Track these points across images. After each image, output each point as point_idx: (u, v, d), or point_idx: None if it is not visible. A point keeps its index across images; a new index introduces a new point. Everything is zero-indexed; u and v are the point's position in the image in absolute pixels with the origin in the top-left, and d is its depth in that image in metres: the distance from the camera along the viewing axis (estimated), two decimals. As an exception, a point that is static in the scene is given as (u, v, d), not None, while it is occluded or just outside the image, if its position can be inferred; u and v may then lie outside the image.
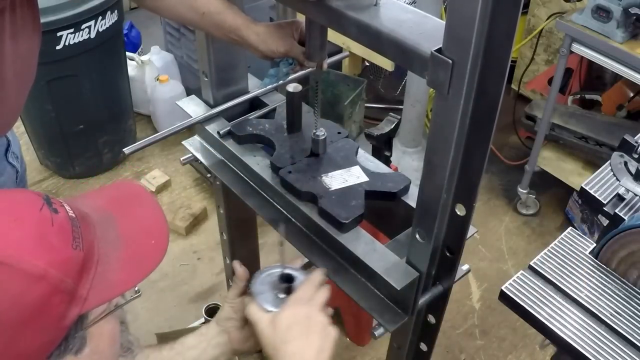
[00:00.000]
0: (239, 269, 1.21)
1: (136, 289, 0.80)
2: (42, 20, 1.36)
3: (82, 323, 0.72)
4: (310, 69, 1.32)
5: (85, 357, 0.74)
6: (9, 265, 0.65)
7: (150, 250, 0.78)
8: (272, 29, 1.24)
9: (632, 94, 2.89)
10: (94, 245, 0.73)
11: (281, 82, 1.35)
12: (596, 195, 1.50)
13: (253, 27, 1.24)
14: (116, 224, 0.78)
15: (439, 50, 0.89)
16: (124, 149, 1.40)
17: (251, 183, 1.47)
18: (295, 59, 1.26)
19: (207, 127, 1.54)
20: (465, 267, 1.31)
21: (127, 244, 0.77)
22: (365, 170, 1.38)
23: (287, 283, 1.13)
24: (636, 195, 1.43)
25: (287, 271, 1.15)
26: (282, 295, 1.11)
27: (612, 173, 1.47)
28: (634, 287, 1.30)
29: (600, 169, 1.57)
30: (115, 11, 2.77)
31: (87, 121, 2.97)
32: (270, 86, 1.54)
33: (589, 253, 1.38)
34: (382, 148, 1.70)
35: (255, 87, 1.65)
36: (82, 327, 0.72)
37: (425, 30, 0.98)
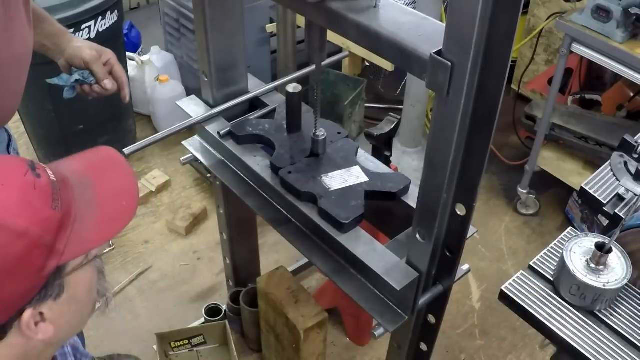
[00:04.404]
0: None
1: (110, 243, 0.92)
2: (42, 20, 1.36)
3: (61, 273, 0.82)
4: (310, 69, 1.32)
5: (64, 302, 0.84)
6: None
7: (121, 211, 0.90)
8: (85, 42, 1.50)
9: (632, 94, 2.89)
10: (72, 206, 0.84)
11: (66, 88, 1.48)
12: (596, 195, 1.50)
13: (68, 36, 1.49)
14: (92, 186, 0.90)
15: (438, 53, 0.89)
16: (124, 150, 1.40)
17: (251, 183, 1.47)
18: (94, 75, 1.46)
19: (207, 127, 1.54)
20: (465, 267, 1.31)
21: (101, 205, 0.88)
22: (365, 170, 1.38)
23: None
24: (636, 195, 1.43)
25: None
26: None
27: (612, 173, 1.47)
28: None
29: (600, 169, 1.57)
30: (115, 11, 2.77)
31: (87, 121, 2.96)
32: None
33: (589, 253, 1.38)
34: (382, 148, 1.70)
35: (255, 87, 1.65)
36: (61, 276, 0.82)
37: (424, 32, 0.98)
